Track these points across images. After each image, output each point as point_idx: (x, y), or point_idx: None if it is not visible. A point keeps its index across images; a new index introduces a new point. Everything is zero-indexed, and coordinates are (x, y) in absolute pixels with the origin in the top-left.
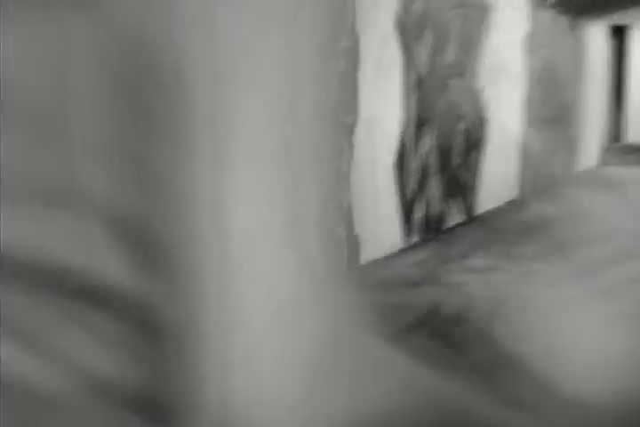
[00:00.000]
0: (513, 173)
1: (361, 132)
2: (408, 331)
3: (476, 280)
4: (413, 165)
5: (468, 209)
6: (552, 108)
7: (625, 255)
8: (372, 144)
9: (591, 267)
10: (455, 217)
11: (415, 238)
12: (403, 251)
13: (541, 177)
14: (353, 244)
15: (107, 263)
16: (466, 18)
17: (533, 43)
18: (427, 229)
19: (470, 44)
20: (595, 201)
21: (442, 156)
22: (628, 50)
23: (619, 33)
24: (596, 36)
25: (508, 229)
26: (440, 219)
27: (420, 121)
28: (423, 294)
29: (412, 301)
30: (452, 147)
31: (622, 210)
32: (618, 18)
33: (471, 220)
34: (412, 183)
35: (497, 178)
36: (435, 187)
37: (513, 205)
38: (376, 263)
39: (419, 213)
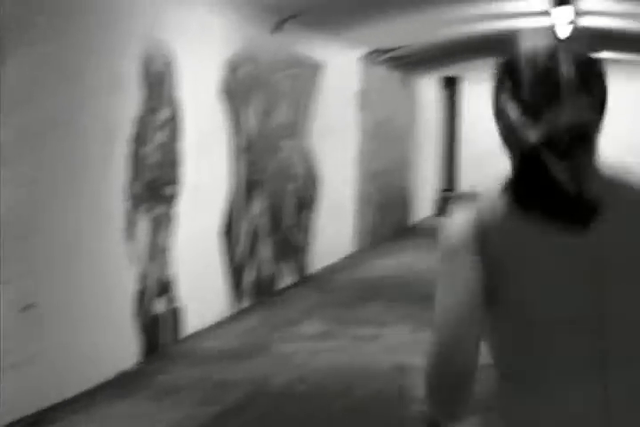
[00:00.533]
0: (348, 228)
1: (185, 202)
2: (232, 412)
3: (306, 349)
4: (243, 229)
5: (301, 269)
6: (386, 161)
7: None
8: (198, 213)
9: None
10: (288, 278)
11: (246, 303)
12: (233, 318)
13: (377, 230)
14: (174, 316)
15: None
16: (296, 78)
17: (366, 99)
18: (258, 292)
19: (301, 103)
20: (427, 256)
21: (273, 218)
22: (460, 99)
23: (450, 84)
24: (429, 88)
25: (343, 288)
26: (272, 281)
27: (250, 184)
28: (251, 368)
29: (238, 376)
30: (283, 208)
31: None
32: (449, 70)
33: (305, 280)
34: (241, 248)
35: (331, 235)
36: (266, 249)
37: (349, 262)
38: (203, 334)
39: (249, 278)
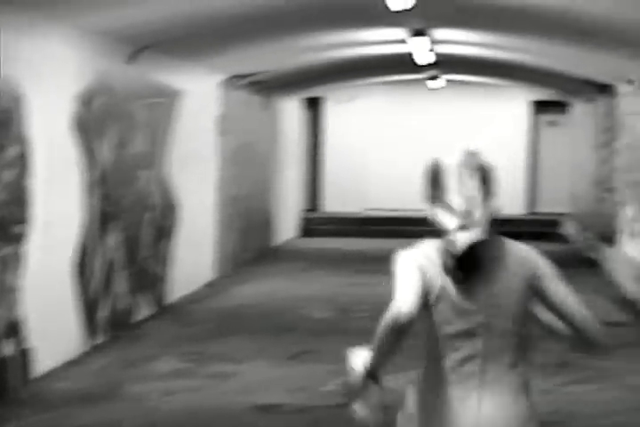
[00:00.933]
0: (208, 255)
1: (35, 240)
2: None
3: (161, 389)
4: (98, 263)
5: (160, 300)
6: (248, 185)
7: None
8: (49, 251)
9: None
10: (145, 310)
11: (100, 339)
12: (87, 355)
13: (239, 255)
14: (23, 358)
15: None
16: (153, 107)
17: (226, 124)
18: (113, 327)
19: (159, 132)
20: (288, 283)
21: (129, 249)
22: (323, 120)
23: (313, 104)
24: (291, 109)
25: (202, 320)
26: (128, 315)
27: (105, 217)
28: (104, 411)
29: (90, 421)
30: (140, 239)
31: (316, 295)
32: (312, 91)
33: (163, 311)
34: (95, 282)
35: (191, 262)
36: (121, 282)
37: (209, 290)
38: (55, 375)
39: (103, 312)
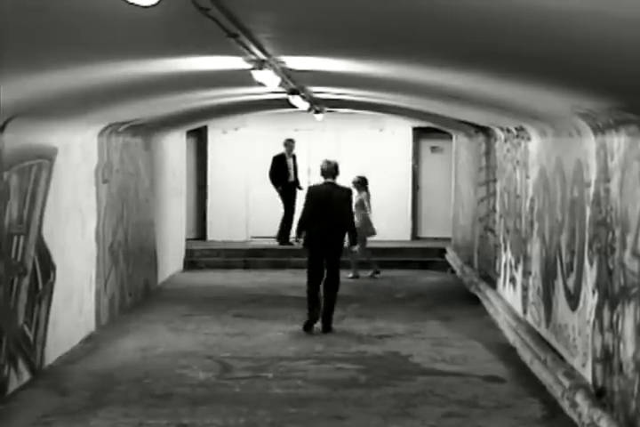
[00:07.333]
0: (89, 306)
1: None
2: None
3: None
4: None
5: (37, 366)
6: (131, 227)
7: None
8: None
9: None
10: (21, 378)
11: None
12: None
13: (122, 303)
14: None
15: None
16: (28, 171)
17: (105, 172)
18: None
19: (35, 195)
20: (170, 334)
21: (2, 318)
22: (207, 148)
23: (198, 134)
24: (175, 143)
25: (77, 387)
26: (3, 386)
27: None
28: None
29: None
30: (13, 307)
31: (196, 350)
32: (196, 124)
33: (40, 376)
34: None
35: (70, 318)
36: None
37: (88, 345)
38: None
39: None
